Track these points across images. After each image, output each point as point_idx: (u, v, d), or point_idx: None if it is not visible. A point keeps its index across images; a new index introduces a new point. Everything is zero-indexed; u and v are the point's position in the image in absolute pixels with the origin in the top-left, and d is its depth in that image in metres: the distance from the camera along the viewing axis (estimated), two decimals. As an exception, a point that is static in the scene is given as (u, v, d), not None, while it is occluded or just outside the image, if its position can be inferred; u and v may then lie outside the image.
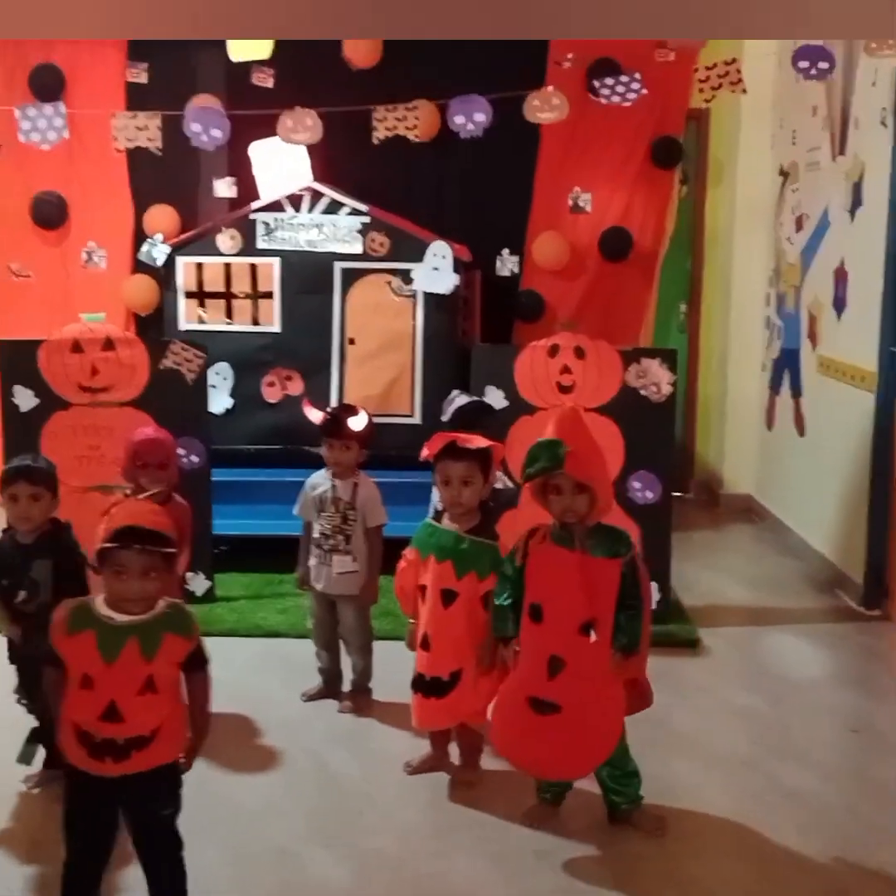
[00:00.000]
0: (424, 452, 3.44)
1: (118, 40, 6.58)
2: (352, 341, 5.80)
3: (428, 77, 6.31)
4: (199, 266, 5.81)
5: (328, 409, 4.20)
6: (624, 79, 5.44)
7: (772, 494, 6.78)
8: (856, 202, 5.37)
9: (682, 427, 7.44)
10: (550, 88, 5.53)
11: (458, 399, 4.54)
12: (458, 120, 5.36)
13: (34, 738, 3.43)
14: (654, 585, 3.89)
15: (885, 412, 5.04)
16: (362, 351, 5.79)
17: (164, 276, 5.97)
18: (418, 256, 5.70)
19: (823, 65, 4.85)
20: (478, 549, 3.40)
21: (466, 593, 3.39)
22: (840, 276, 5.56)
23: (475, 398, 4.66)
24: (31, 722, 3.43)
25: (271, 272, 5.79)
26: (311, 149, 5.82)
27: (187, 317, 5.84)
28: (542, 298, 6.70)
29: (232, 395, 5.80)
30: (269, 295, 5.80)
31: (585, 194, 6.73)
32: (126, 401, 4.96)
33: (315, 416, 4.15)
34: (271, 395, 5.82)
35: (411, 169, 6.34)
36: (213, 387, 5.59)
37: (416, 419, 5.71)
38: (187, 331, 5.73)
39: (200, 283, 5.81)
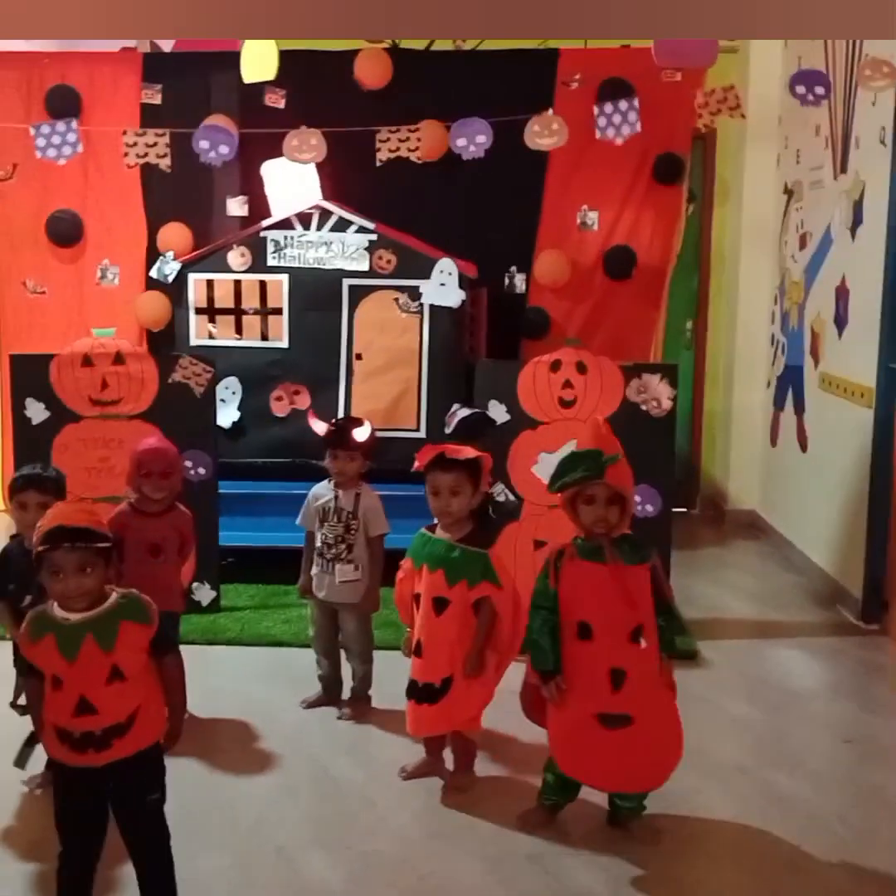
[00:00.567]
0: (415, 464, 3.51)
1: (133, 61, 6.72)
2: (359, 357, 5.88)
3: (437, 98, 6.41)
4: (210, 283, 5.91)
5: (333, 421, 4.28)
6: (623, 107, 5.51)
7: (775, 510, 6.82)
8: (857, 220, 5.43)
9: (688, 443, 7.49)
10: (550, 113, 5.60)
11: (460, 412, 4.62)
12: (460, 142, 5.46)
13: (32, 740, 3.48)
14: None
15: (884, 428, 5.09)
16: (369, 366, 5.87)
17: (175, 292, 6.07)
18: (425, 273, 5.79)
19: (820, 90, 4.92)
20: (468, 557, 3.46)
21: (458, 601, 3.45)
22: (841, 294, 5.61)
23: (476, 410, 4.73)
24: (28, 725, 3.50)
25: (280, 289, 5.88)
26: (321, 167, 5.91)
27: (198, 332, 5.94)
28: (549, 315, 6.78)
29: (240, 409, 5.89)
30: (278, 311, 5.89)
31: (593, 212, 6.81)
32: (135, 414, 5.05)
33: (320, 427, 4.24)
34: (279, 409, 5.91)
35: (419, 187, 6.42)
36: (223, 401, 5.69)
37: (422, 433, 5.77)
38: (198, 346, 5.82)
39: (211, 299, 5.91)
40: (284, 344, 5.91)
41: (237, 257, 5.87)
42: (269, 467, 5.83)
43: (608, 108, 5.51)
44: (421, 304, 5.80)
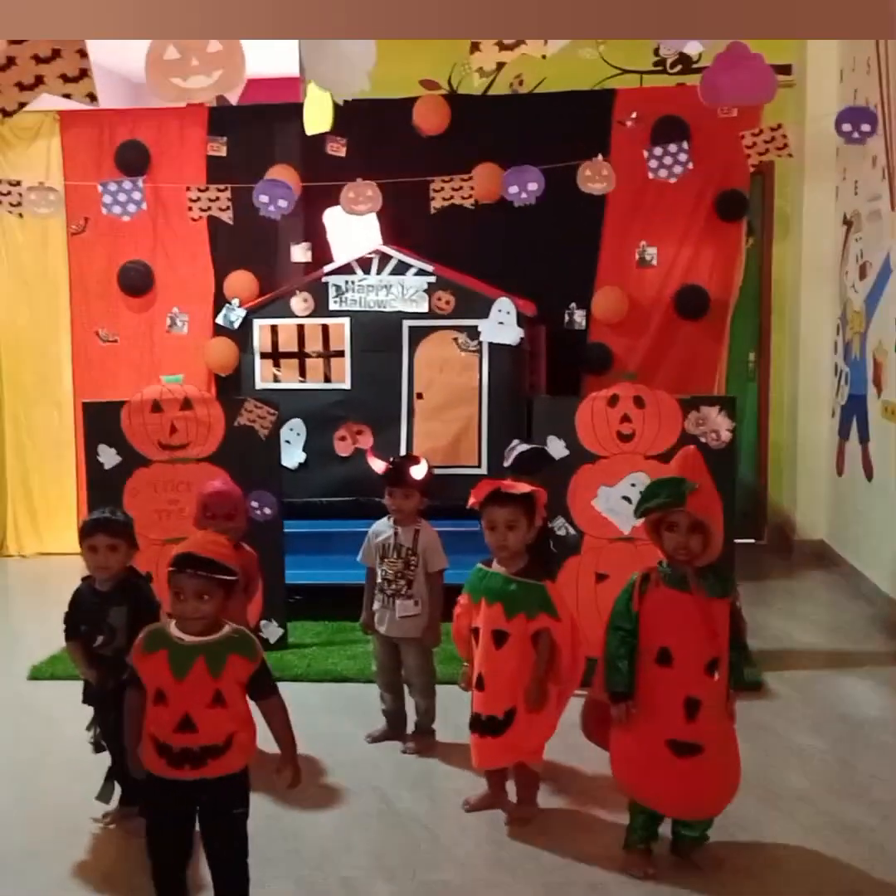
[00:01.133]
0: (471, 500, 3.57)
1: (199, 115, 6.96)
2: (420, 396, 5.99)
3: (495, 141, 6.56)
4: (274, 328, 6.07)
5: (391, 459, 4.36)
6: (672, 148, 5.58)
7: (844, 540, 6.76)
8: (915, 248, 5.43)
9: (754, 474, 7.47)
10: (600, 159, 5.69)
11: (519, 447, 4.68)
12: (512, 190, 5.59)
13: (111, 776, 3.61)
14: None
15: (947, 455, 5.05)
16: (430, 404, 5.97)
17: (241, 338, 6.24)
18: (483, 313, 5.89)
19: (866, 127, 4.95)
20: (526, 589, 3.51)
21: (517, 633, 3.49)
22: (902, 322, 5.60)
23: (534, 445, 4.78)
24: (106, 761, 3.61)
25: (342, 332, 6.02)
26: (381, 212, 6.06)
27: (263, 376, 6.09)
28: (610, 351, 6.84)
29: (305, 450, 6.03)
30: (340, 353, 6.03)
31: (652, 248, 6.87)
32: (203, 457, 5.18)
33: (378, 465, 4.33)
34: (343, 448, 6.02)
35: (477, 229, 6.54)
36: (288, 442, 5.81)
37: (483, 469, 5.84)
38: (263, 389, 5.98)
39: (275, 343, 6.07)
40: (347, 385, 6.04)
41: (300, 303, 6.02)
42: (334, 506, 5.94)
43: (658, 150, 5.57)
44: (480, 343, 5.89)
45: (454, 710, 4.27)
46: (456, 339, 5.93)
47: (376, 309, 5.99)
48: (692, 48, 5.16)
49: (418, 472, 4.20)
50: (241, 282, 6.87)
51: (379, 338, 5.98)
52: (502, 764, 3.66)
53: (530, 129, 6.63)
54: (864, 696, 4.81)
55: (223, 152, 6.91)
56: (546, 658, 3.51)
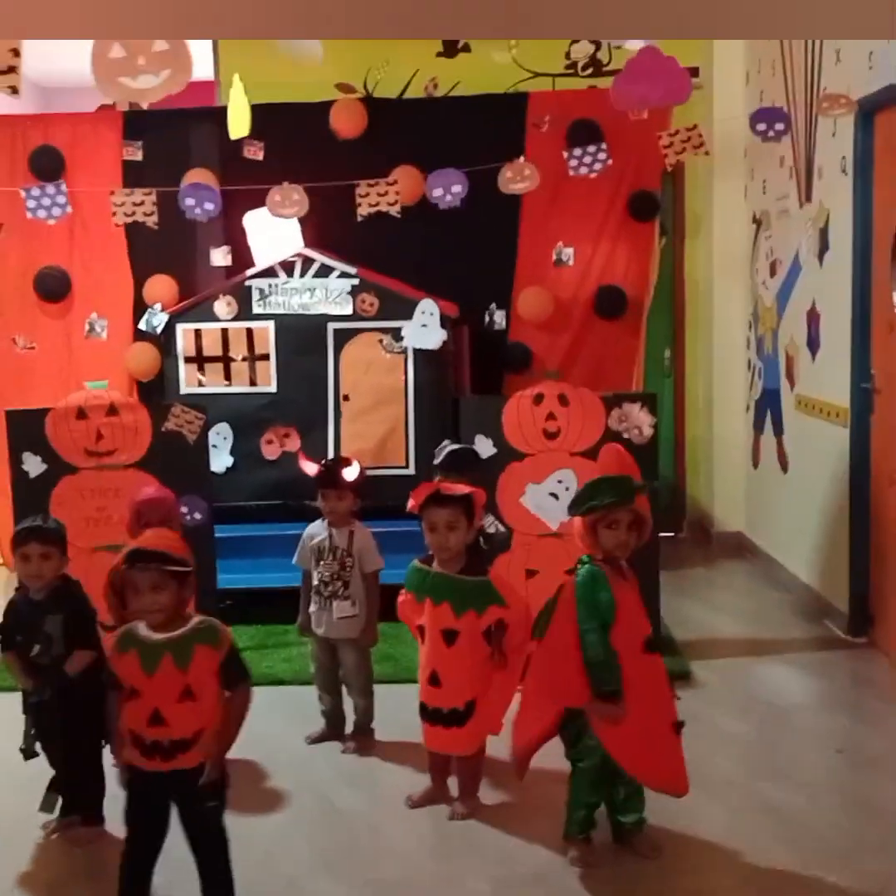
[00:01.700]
0: (410, 503, 3.62)
1: (113, 120, 6.89)
2: (346, 398, 6.02)
3: (412, 144, 6.59)
4: (198, 332, 6.05)
5: (323, 462, 4.39)
6: (591, 149, 5.69)
7: (760, 531, 6.96)
8: (823, 247, 5.61)
9: (672, 468, 7.63)
10: (521, 160, 5.77)
11: (449, 447, 4.75)
12: (437, 192, 5.63)
13: (52, 786, 3.59)
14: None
15: (860, 446, 5.23)
16: (356, 406, 6.01)
17: (164, 343, 6.21)
18: (407, 314, 5.94)
19: (779, 126, 5.11)
20: (472, 586, 3.58)
21: (467, 630, 3.56)
22: (812, 318, 5.78)
23: (463, 445, 4.86)
24: (43, 771, 3.59)
25: (267, 335, 6.03)
26: (302, 216, 6.06)
27: (187, 381, 6.07)
28: (530, 350, 6.93)
29: (232, 454, 6.02)
30: (265, 357, 6.03)
31: (568, 248, 6.98)
32: (131, 463, 5.13)
33: (310, 468, 4.37)
34: (270, 452, 6.03)
35: (398, 231, 6.51)
36: (215, 447, 5.79)
37: (410, 470, 5.90)
38: (188, 394, 5.95)
39: (199, 348, 6.05)
40: (273, 388, 6.04)
41: (224, 306, 6.01)
42: (263, 509, 5.95)
43: (577, 151, 5.68)
44: (404, 345, 5.94)
45: (391, 709, 4.33)
46: (381, 341, 5.98)
47: (300, 312, 6.01)
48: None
49: (351, 473, 4.25)
50: (160, 286, 6.80)
51: (304, 341, 6.00)
52: (467, 751, 3.70)
53: (446, 133, 6.66)
54: (786, 681, 4.97)
55: (139, 156, 6.83)
56: (511, 646, 3.58)
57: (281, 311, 6.02)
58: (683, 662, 4.99)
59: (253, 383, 6.05)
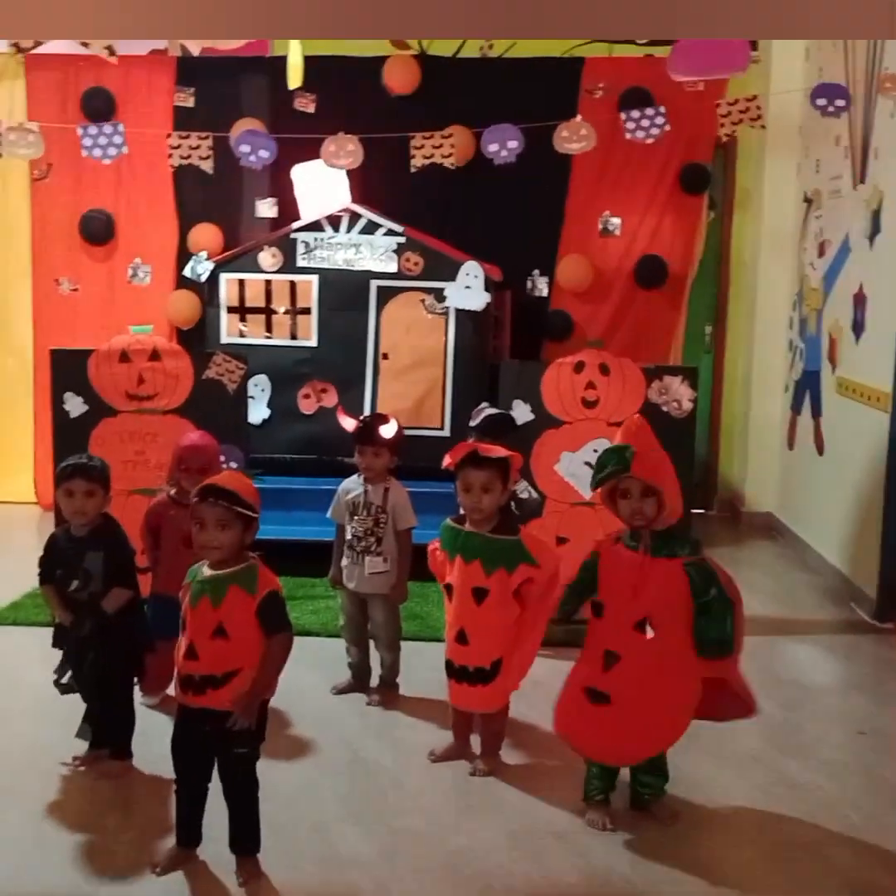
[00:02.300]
0: (447, 461, 3.63)
1: (166, 64, 6.90)
2: (385, 356, 6.03)
3: (464, 104, 6.58)
4: (242, 282, 6.06)
5: (361, 418, 4.41)
6: (649, 112, 5.64)
7: (791, 512, 6.93)
8: (875, 229, 5.55)
9: (706, 446, 7.61)
10: (579, 119, 5.73)
11: (487, 410, 4.76)
12: (492, 148, 5.59)
13: (88, 718, 3.66)
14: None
15: (900, 431, 5.20)
16: (395, 366, 6.02)
17: (207, 291, 6.23)
18: (451, 276, 5.93)
19: (840, 102, 5.07)
20: (503, 545, 3.59)
21: (497, 588, 3.57)
22: (859, 301, 5.73)
23: (502, 410, 4.86)
24: (73, 703, 3.65)
25: (310, 289, 6.04)
26: (350, 171, 6.06)
27: (229, 331, 6.09)
28: (571, 318, 6.93)
29: (269, 407, 6.05)
30: (307, 311, 6.05)
31: (615, 219, 6.97)
32: (170, 409, 5.19)
33: (348, 423, 4.38)
34: (307, 406, 6.06)
35: (446, 191, 6.58)
36: (252, 398, 5.82)
37: (446, 432, 5.92)
38: (228, 344, 5.98)
39: (242, 298, 6.07)
40: (313, 343, 6.06)
41: (268, 258, 6.02)
42: (297, 463, 5.98)
43: (635, 112, 5.63)
44: (447, 306, 5.94)
45: (417, 665, 4.37)
46: (423, 301, 5.97)
47: (345, 267, 6.01)
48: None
49: (388, 430, 4.25)
50: (205, 235, 6.84)
51: (346, 297, 6.00)
52: (491, 709, 3.73)
53: (499, 94, 6.66)
54: (811, 662, 4.98)
55: (190, 103, 6.86)
56: (545, 603, 3.61)
57: (325, 265, 6.02)
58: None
59: (293, 336, 6.07)
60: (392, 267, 5.98)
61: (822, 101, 5.07)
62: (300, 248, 6.03)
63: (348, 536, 4.28)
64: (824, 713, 4.38)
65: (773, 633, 5.29)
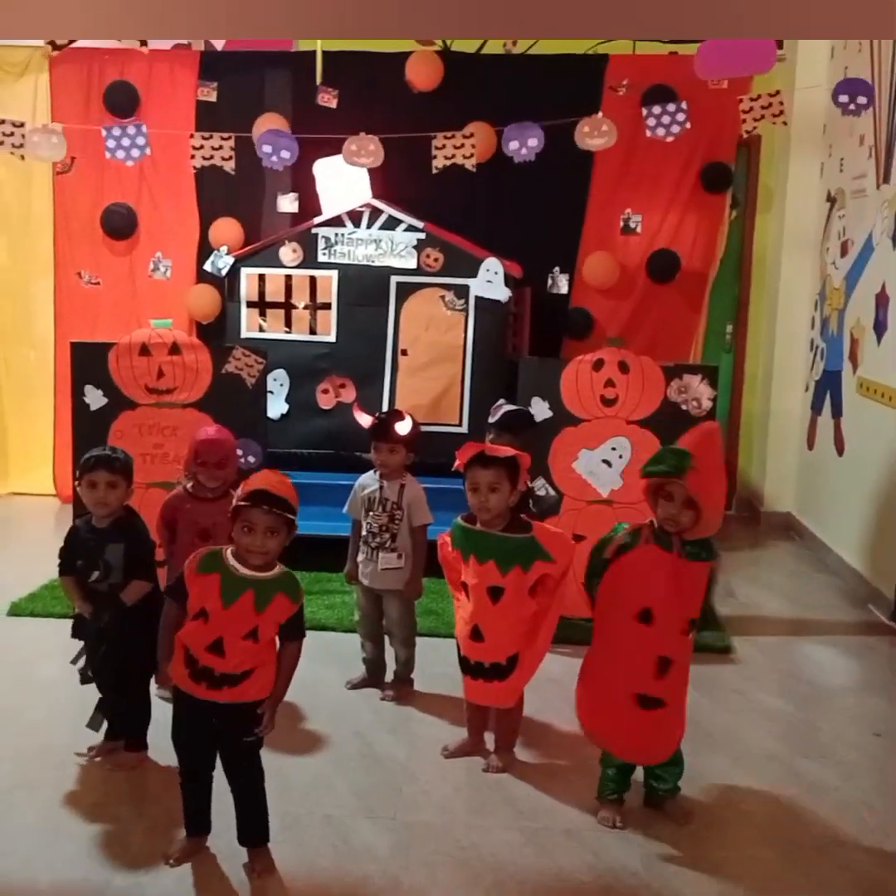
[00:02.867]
0: (456, 462, 3.63)
1: (190, 59, 6.91)
2: (404, 352, 6.03)
3: (486, 100, 6.57)
4: (262, 277, 6.08)
5: (377, 414, 4.41)
6: (671, 108, 5.62)
7: (811, 512, 6.90)
8: (898, 228, 5.52)
9: (725, 445, 7.56)
10: (600, 115, 5.72)
11: (505, 407, 4.76)
12: (513, 145, 5.58)
13: (100, 708, 3.67)
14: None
15: (921, 433, 5.17)
16: (414, 362, 6.02)
17: (227, 286, 6.24)
18: (471, 272, 5.93)
19: (862, 100, 5.03)
20: (516, 544, 3.58)
21: (513, 586, 3.55)
22: (881, 301, 5.69)
23: (519, 407, 4.86)
24: (90, 693, 3.67)
25: (330, 284, 6.05)
26: (372, 167, 6.06)
27: (248, 325, 6.11)
28: (592, 316, 6.91)
29: (288, 401, 6.06)
30: (327, 306, 6.06)
31: (637, 216, 6.94)
32: (189, 402, 5.21)
33: (364, 419, 4.38)
34: (325, 401, 6.07)
35: (467, 188, 6.56)
36: (271, 392, 5.85)
37: (464, 428, 5.91)
38: (248, 338, 6.00)
39: (262, 293, 6.08)
40: (332, 338, 6.07)
41: (289, 253, 6.04)
42: (314, 458, 5.99)
43: (656, 109, 5.62)
44: (466, 302, 5.94)
45: (431, 661, 4.38)
46: (443, 297, 5.98)
47: (365, 263, 6.02)
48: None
49: (403, 427, 4.25)
50: (226, 229, 6.86)
51: (366, 292, 6.01)
52: (506, 704, 3.73)
53: (522, 91, 6.65)
54: (830, 662, 4.95)
55: (213, 97, 6.87)
56: (558, 599, 3.60)
57: (345, 260, 6.03)
58: (723, 636, 4.98)
59: (313, 332, 6.08)
60: (412, 263, 5.99)
61: (843, 99, 5.03)
62: (321, 244, 6.04)
63: (364, 532, 4.28)
64: (840, 714, 4.36)
65: (790, 634, 5.28)
